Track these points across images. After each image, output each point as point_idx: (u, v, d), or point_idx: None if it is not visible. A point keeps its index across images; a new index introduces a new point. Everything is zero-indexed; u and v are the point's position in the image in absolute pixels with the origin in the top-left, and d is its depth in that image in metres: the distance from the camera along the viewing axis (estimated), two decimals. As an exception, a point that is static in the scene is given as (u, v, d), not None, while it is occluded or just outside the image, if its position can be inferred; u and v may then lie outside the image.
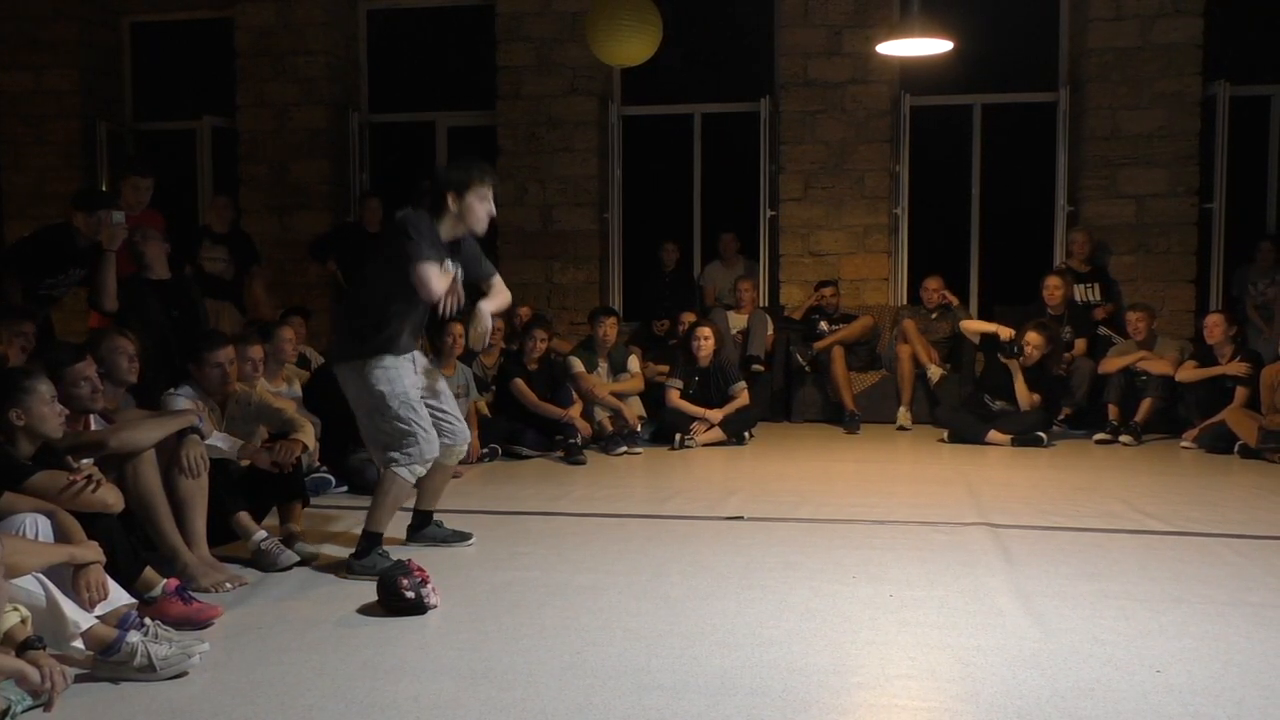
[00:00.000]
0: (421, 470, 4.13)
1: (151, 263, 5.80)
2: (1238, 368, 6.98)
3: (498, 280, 4.35)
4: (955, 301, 8.38)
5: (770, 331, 8.38)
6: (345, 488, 5.73)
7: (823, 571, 4.10)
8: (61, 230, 5.52)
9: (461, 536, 4.58)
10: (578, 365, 7.27)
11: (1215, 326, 7.12)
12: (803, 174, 9.03)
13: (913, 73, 8.86)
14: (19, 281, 5.43)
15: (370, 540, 4.14)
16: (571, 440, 6.71)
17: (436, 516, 4.61)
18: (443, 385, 4.38)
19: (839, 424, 8.04)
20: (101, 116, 9.69)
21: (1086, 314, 8.20)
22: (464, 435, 4.38)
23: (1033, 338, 7.21)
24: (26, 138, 9.65)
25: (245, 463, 4.48)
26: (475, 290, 4.30)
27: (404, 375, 4.06)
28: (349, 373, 4.09)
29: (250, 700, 2.87)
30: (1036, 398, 7.24)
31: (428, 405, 4.18)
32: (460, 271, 4.09)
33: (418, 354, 4.27)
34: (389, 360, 4.03)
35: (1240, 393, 6.92)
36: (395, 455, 4.05)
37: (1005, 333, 7.35)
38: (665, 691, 2.90)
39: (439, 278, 3.92)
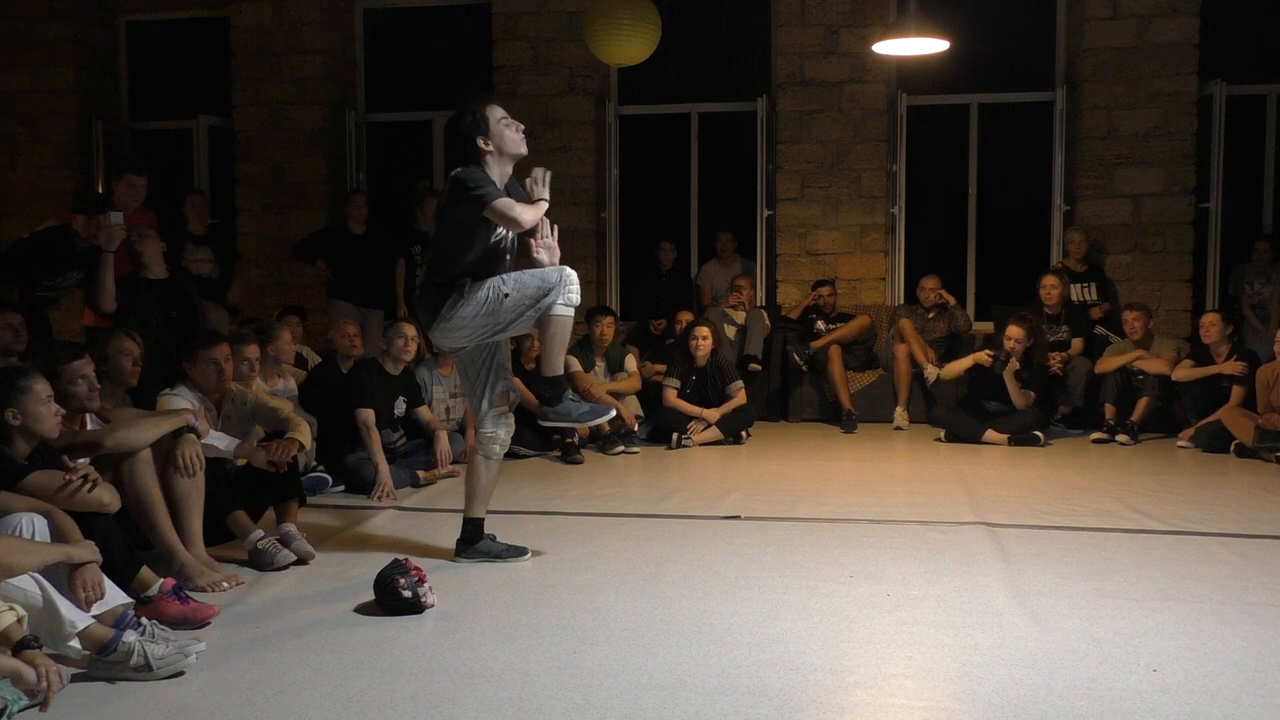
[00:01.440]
0: (575, 297, 3.96)
1: (149, 262, 5.80)
2: (1233, 367, 6.99)
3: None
4: (952, 301, 8.38)
5: (766, 323, 8.39)
6: (342, 487, 5.72)
7: (820, 571, 4.10)
8: (60, 233, 5.52)
9: (518, 551, 4.30)
10: (574, 364, 7.27)
11: (1212, 326, 7.13)
12: (799, 173, 9.04)
13: (909, 72, 8.87)
14: (16, 283, 5.42)
15: (556, 385, 4.08)
16: (569, 440, 6.70)
17: (489, 530, 4.36)
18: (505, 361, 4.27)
19: (836, 423, 8.05)
20: (98, 115, 9.68)
21: (1083, 313, 8.21)
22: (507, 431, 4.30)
23: (1013, 331, 7.21)
24: (22, 136, 9.63)
25: (241, 462, 4.48)
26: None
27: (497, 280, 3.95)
28: (448, 329, 3.99)
29: (247, 699, 2.87)
30: (1030, 395, 7.24)
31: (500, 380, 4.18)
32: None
33: None
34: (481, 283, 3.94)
35: (1237, 392, 6.93)
36: (549, 301, 3.91)
37: (985, 359, 7.32)
38: (662, 690, 2.90)
39: (523, 207, 3.90)
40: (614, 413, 4.35)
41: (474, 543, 4.28)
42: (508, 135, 4.01)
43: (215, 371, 4.52)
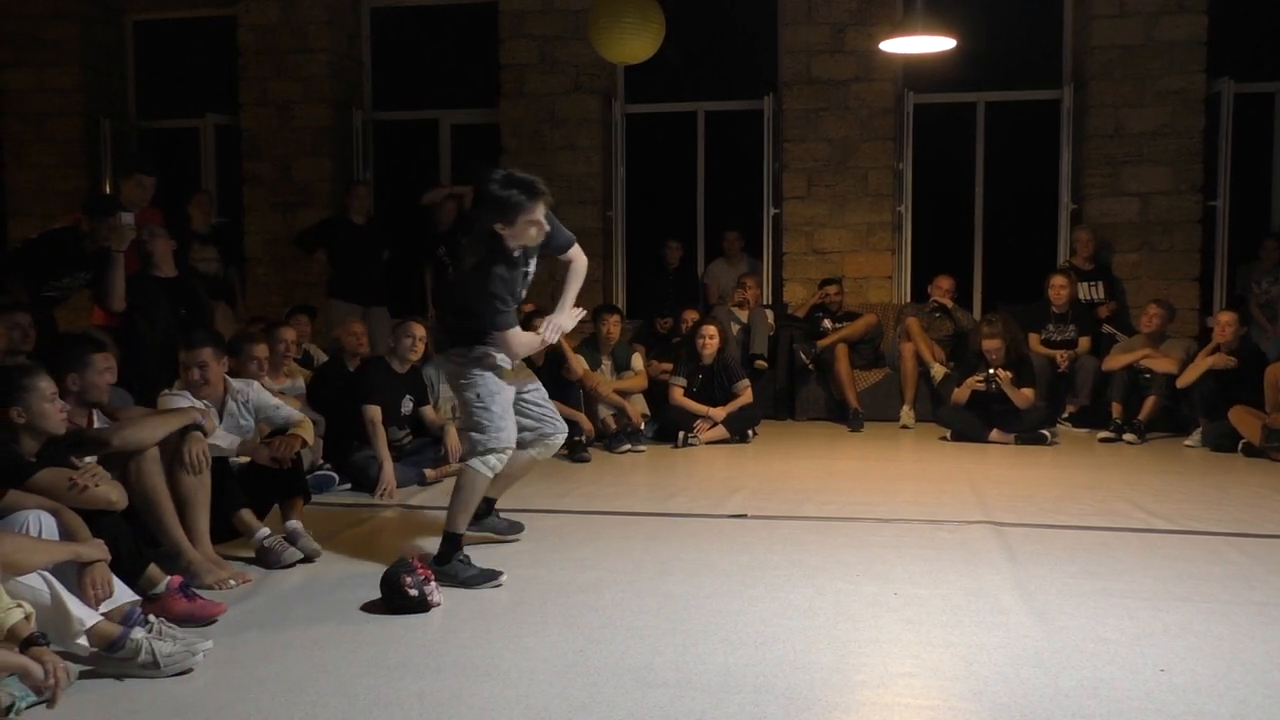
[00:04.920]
0: (496, 463, 4.07)
1: (159, 261, 5.81)
2: (1223, 360, 6.95)
3: (574, 251, 4.28)
4: (949, 304, 8.35)
5: (771, 322, 8.39)
6: (348, 485, 5.73)
7: (826, 569, 4.10)
8: (69, 233, 5.53)
9: (515, 528, 4.62)
10: (581, 363, 7.27)
11: (1227, 325, 7.08)
12: (806, 172, 9.03)
13: (916, 70, 8.85)
14: (24, 283, 5.44)
15: (450, 543, 4.05)
16: (575, 438, 6.70)
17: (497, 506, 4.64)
18: (536, 382, 4.39)
19: (842, 422, 8.04)
20: (104, 114, 9.70)
21: (1090, 312, 8.19)
22: (559, 427, 4.38)
23: (989, 345, 7.20)
24: (29, 136, 9.65)
25: (244, 459, 4.48)
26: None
27: (499, 375, 4.11)
28: (445, 363, 4.21)
29: (254, 697, 2.87)
30: (1028, 393, 7.22)
31: (523, 400, 4.24)
32: (534, 267, 4.16)
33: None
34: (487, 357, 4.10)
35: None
36: (479, 443, 4.04)
37: (980, 386, 7.27)
38: (668, 689, 2.90)
39: (521, 341, 4.07)
40: (501, 580, 4.00)
41: (481, 518, 4.44)
42: (529, 233, 3.99)
43: (198, 375, 4.45)
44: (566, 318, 4.17)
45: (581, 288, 4.26)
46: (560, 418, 4.44)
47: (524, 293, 4.22)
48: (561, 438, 4.39)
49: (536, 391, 4.34)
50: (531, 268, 4.16)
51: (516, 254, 4.05)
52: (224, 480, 4.26)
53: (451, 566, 3.96)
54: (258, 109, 9.45)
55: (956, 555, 4.29)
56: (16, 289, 5.34)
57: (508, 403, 4.11)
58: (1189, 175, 8.50)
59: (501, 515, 4.64)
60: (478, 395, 4.05)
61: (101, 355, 4.00)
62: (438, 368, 4.24)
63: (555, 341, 4.32)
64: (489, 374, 4.07)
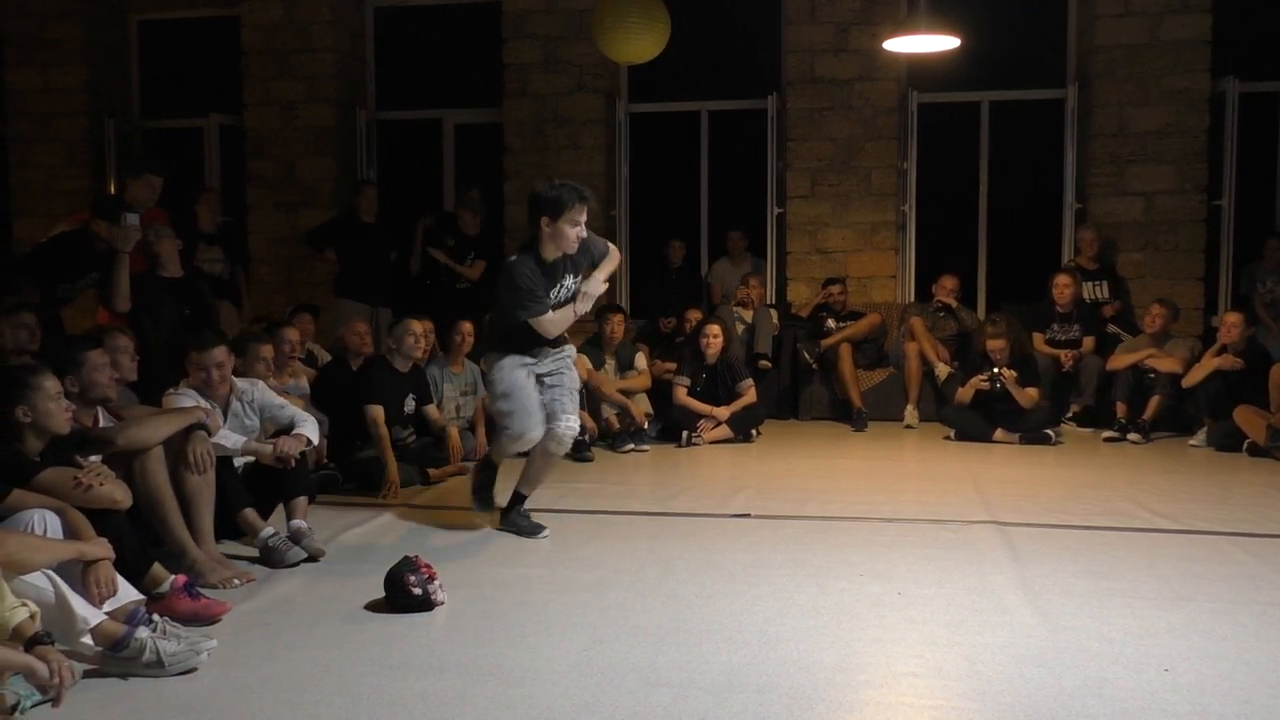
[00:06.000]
0: (508, 448, 4.66)
1: (166, 261, 5.82)
2: (1229, 361, 6.93)
3: (610, 248, 4.79)
4: (953, 303, 8.34)
5: (775, 321, 8.38)
6: (352, 485, 5.73)
7: (829, 569, 4.09)
8: (78, 236, 5.55)
9: (536, 528, 4.76)
10: (585, 363, 7.26)
11: (1233, 326, 7.05)
12: (810, 171, 9.02)
13: (920, 70, 8.84)
14: (38, 286, 5.45)
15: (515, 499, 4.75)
16: (579, 437, 6.69)
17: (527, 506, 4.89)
18: (572, 377, 4.72)
19: (846, 422, 8.03)
20: (109, 114, 9.71)
21: (1095, 312, 8.18)
22: (570, 427, 4.69)
23: (993, 345, 7.19)
24: (34, 135, 9.66)
25: (249, 458, 4.48)
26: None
27: (516, 369, 4.54)
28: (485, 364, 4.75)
29: (258, 696, 2.88)
30: (1033, 392, 7.21)
31: (551, 390, 4.61)
32: (575, 283, 4.59)
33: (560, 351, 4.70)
34: (507, 360, 4.56)
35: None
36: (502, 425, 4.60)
37: (985, 385, 7.26)
38: (672, 689, 2.90)
39: (555, 321, 4.52)
40: (546, 532, 4.72)
41: (509, 511, 4.80)
42: (568, 233, 4.42)
43: (205, 378, 4.46)
44: (595, 285, 4.58)
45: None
46: (575, 410, 4.72)
47: (556, 299, 4.54)
48: (567, 427, 4.63)
49: (559, 375, 4.65)
50: (570, 284, 4.55)
51: (553, 260, 4.45)
52: (228, 479, 4.26)
53: (510, 518, 4.70)
54: (261, 108, 9.47)
55: (960, 555, 4.29)
56: (30, 292, 5.36)
57: (526, 396, 4.52)
58: (1193, 175, 8.49)
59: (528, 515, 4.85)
60: (499, 391, 4.55)
61: (96, 352, 3.96)
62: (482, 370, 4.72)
63: (589, 310, 4.67)
64: (511, 374, 4.50)
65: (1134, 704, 2.79)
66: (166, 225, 6.16)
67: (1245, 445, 6.67)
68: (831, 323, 8.46)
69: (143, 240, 5.56)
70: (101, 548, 3.16)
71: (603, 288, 4.64)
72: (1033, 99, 9.11)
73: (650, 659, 3.13)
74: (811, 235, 9.08)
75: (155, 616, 3.17)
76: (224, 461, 4.24)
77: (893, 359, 8.44)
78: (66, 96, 9.60)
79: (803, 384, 8.42)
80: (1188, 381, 7.11)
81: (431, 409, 6.15)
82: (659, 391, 7.61)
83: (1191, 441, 7.10)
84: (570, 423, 4.64)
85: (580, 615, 3.55)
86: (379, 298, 8.24)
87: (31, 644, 2.71)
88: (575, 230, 4.40)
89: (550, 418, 4.57)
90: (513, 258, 4.54)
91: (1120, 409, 7.36)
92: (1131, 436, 7.20)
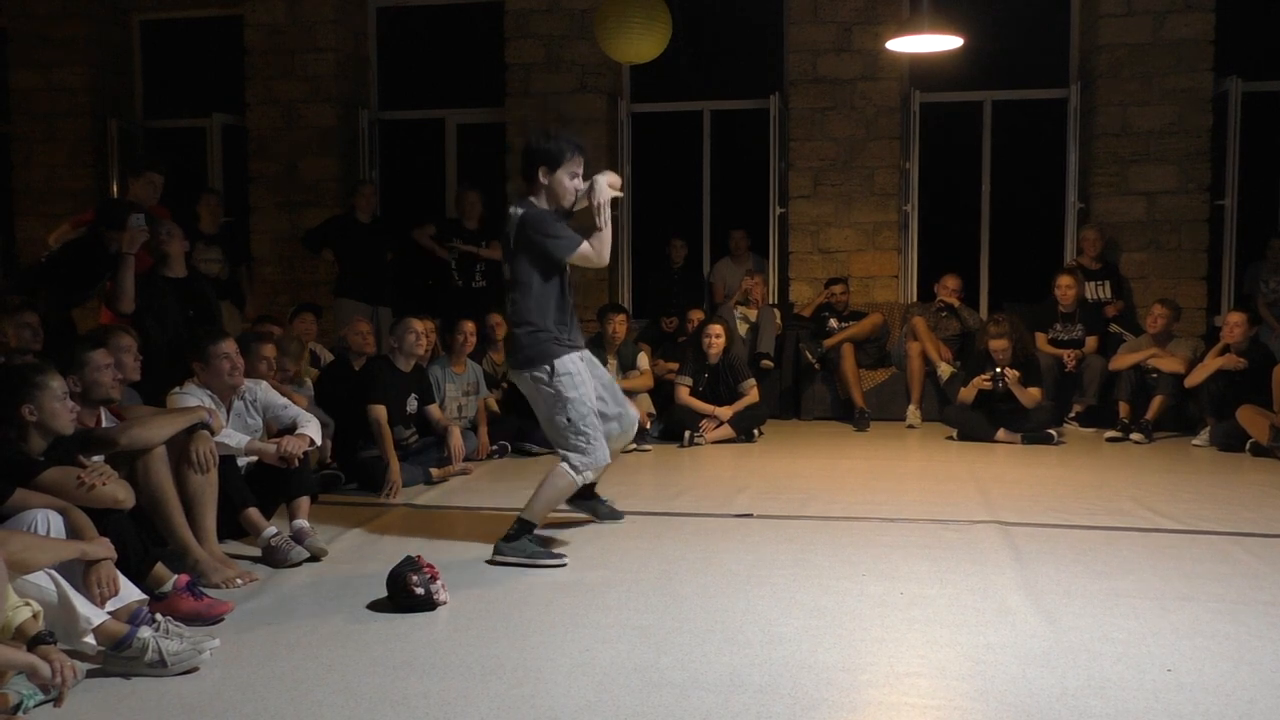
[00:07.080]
0: (592, 476, 4.32)
1: (173, 261, 5.82)
2: (1233, 361, 6.93)
3: None
4: (956, 303, 8.34)
5: (777, 321, 8.38)
6: (355, 485, 5.74)
7: (832, 569, 4.09)
8: (86, 244, 5.57)
9: (615, 515, 4.82)
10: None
11: (1237, 326, 7.04)
12: (812, 171, 9.02)
13: (922, 69, 8.84)
14: (54, 295, 5.47)
15: (523, 526, 4.26)
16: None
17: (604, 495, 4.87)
18: (603, 373, 4.52)
19: (848, 421, 8.03)
20: (112, 114, 9.72)
21: (1097, 312, 8.18)
22: (631, 420, 4.57)
23: (996, 345, 7.19)
24: (37, 135, 9.68)
25: (252, 458, 4.49)
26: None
27: (585, 380, 4.26)
28: (528, 380, 4.25)
29: (260, 696, 2.88)
30: (1036, 392, 7.21)
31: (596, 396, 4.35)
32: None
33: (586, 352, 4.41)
34: (570, 364, 4.21)
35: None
36: (570, 456, 4.24)
37: (987, 385, 7.25)
38: (674, 689, 2.90)
39: (597, 246, 4.13)
40: (565, 561, 4.24)
41: (585, 498, 4.71)
42: (566, 185, 4.16)
43: (229, 366, 4.50)
44: (603, 191, 4.15)
45: (586, 286, 4.33)
46: (633, 411, 4.62)
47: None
48: (632, 432, 4.62)
49: (610, 386, 4.52)
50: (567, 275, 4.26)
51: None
52: (231, 479, 4.26)
53: (520, 543, 4.20)
54: (264, 108, 9.47)
55: (962, 555, 4.28)
56: (40, 297, 5.37)
57: (595, 417, 4.26)
58: (1196, 174, 8.48)
59: (606, 502, 4.88)
60: (568, 420, 4.21)
61: (100, 352, 3.95)
62: (516, 381, 4.36)
63: (606, 200, 4.19)
64: (572, 392, 4.18)
65: (1137, 704, 2.78)
66: (173, 225, 6.16)
67: (1248, 445, 6.67)
68: (834, 322, 8.46)
69: (153, 239, 5.57)
70: (104, 547, 3.16)
71: (615, 192, 4.21)
72: (1035, 98, 9.11)
73: (653, 659, 3.13)
74: (814, 235, 9.08)
75: (158, 616, 3.18)
76: (227, 461, 4.25)
77: (895, 359, 8.44)
78: (69, 96, 9.61)
79: (805, 384, 8.42)
80: (1190, 381, 7.10)
81: (434, 409, 6.15)
82: (661, 391, 7.61)
83: (1194, 441, 7.10)
84: (634, 413, 4.62)
85: (583, 615, 3.55)
86: (378, 297, 8.24)
87: (34, 643, 2.72)
88: (574, 182, 4.16)
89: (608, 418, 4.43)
90: (517, 209, 4.18)
91: (1123, 409, 7.36)
92: (1134, 436, 7.19)
